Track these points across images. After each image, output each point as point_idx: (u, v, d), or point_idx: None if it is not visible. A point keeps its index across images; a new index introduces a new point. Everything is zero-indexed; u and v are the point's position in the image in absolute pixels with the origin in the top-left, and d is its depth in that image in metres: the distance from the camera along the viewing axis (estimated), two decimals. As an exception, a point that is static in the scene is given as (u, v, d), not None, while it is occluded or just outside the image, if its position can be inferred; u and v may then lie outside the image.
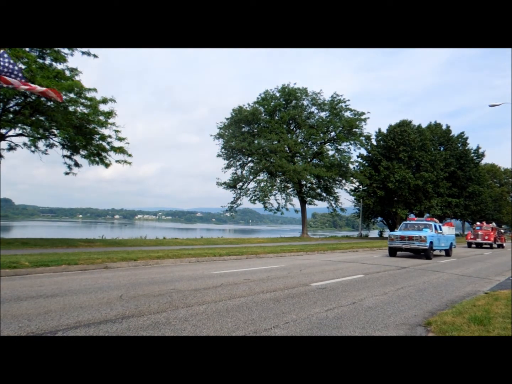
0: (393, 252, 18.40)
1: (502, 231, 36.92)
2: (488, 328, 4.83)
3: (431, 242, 17.33)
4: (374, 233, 56.71)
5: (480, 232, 31.96)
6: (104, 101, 16.59)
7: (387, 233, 54.73)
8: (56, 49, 15.83)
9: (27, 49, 14.39)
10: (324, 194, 40.00)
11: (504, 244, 34.58)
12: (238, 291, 7.53)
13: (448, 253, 20.43)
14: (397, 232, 18.90)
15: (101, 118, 16.86)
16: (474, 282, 10.27)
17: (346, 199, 60.65)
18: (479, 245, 31.67)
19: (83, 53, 16.85)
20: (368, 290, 8.20)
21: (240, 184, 38.73)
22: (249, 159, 38.04)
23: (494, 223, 35.64)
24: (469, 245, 32.37)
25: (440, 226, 19.72)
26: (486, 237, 31.14)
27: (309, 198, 39.19)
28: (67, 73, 16.59)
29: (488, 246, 31.22)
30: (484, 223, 35.00)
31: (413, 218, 21.75)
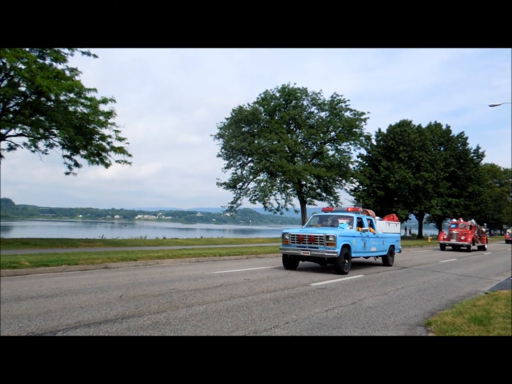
0: (290, 262, 11.60)
1: (484, 229, 30.38)
2: (488, 328, 4.83)
3: (345, 246, 10.81)
4: (374, 233, 56.61)
5: (455, 232, 26.06)
6: (104, 101, 16.59)
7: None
8: (56, 49, 15.82)
9: (27, 49, 14.38)
10: (324, 194, 39.94)
11: (486, 246, 28.50)
12: (238, 291, 7.53)
13: (386, 261, 13.78)
14: (293, 230, 11.72)
15: (101, 118, 16.86)
16: (474, 282, 10.27)
17: (346, 199, 60.78)
18: (455, 247, 26.18)
19: (83, 53, 16.84)
20: (368, 290, 8.20)
21: (240, 184, 38.69)
22: (249, 159, 38.00)
23: (473, 220, 29.00)
24: (442, 247, 26.58)
25: (371, 221, 13.02)
26: (463, 238, 25.38)
27: (309, 198, 39.16)
28: (67, 73, 16.59)
29: (465, 248, 25.53)
30: (461, 220, 28.99)
31: (330, 208, 14.33)
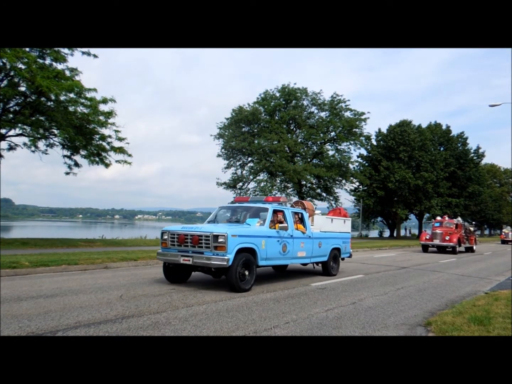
0: (173, 273, 8.27)
1: (472, 228, 26.87)
2: (488, 328, 4.83)
3: (244, 251, 7.61)
4: (374, 233, 56.73)
5: (438, 231, 22.74)
6: (104, 101, 16.59)
7: (387, 233, 54.77)
8: (56, 49, 15.83)
9: (27, 49, 14.38)
10: (324, 194, 39.98)
11: (474, 247, 25.17)
12: (238, 291, 7.52)
13: (326, 269, 10.21)
14: (174, 227, 8.43)
15: (101, 118, 16.86)
16: (474, 282, 10.27)
17: (346, 199, 60.51)
18: (440, 249, 22.74)
19: (83, 53, 16.84)
20: (368, 290, 8.20)
21: (240, 184, 38.73)
22: (249, 159, 38.04)
23: (460, 218, 26.07)
24: (425, 248, 23.34)
25: (301, 215, 9.61)
26: (447, 238, 22.14)
27: (309, 198, 39.14)
28: (67, 73, 16.59)
29: (450, 249, 22.14)
30: (446, 217, 25.64)
31: (244, 198, 10.33)
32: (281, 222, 8.62)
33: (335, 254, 10.61)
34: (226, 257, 7.18)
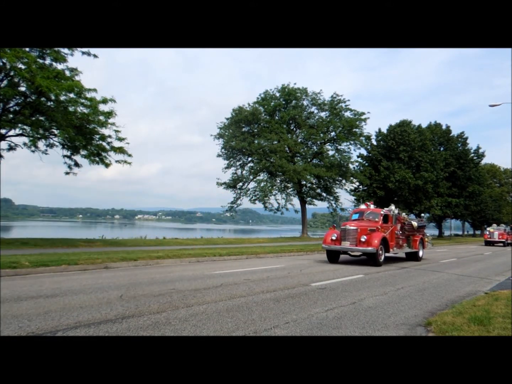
0: None
1: (415, 223, 17.02)
2: (488, 328, 4.83)
3: None
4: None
5: (352, 227, 13.85)
6: (104, 101, 16.61)
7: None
8: (56, 49, 15.84)
9: (27, 49, 14.39)
10: (324, 194, 39.99)
11: (421, 253, 16.83)
12: (238, 291, 7.52)
13: None
14: None
15: (101, 118, 16.88)
16: (474, 282, 10.27)
17: (346, 199, 60.65)
18: (370, 256, 13.59)
19: (83, 53, 16.86)
20: (368, 290, 8.20)
21: (240, 184, 38.74)
22: (249, 159, 38.05)
23: (393, 207, 16.15)
24: (331, 257, 14.30)
25: None
26: (363, 239, 13.30)
27: (309, 198, 39.20)
28: (67, 73, 16.61)
29: (370, 258, 13.58)
30: (370, 205, 16.63)
31: None
32: None
33: None
34: None
